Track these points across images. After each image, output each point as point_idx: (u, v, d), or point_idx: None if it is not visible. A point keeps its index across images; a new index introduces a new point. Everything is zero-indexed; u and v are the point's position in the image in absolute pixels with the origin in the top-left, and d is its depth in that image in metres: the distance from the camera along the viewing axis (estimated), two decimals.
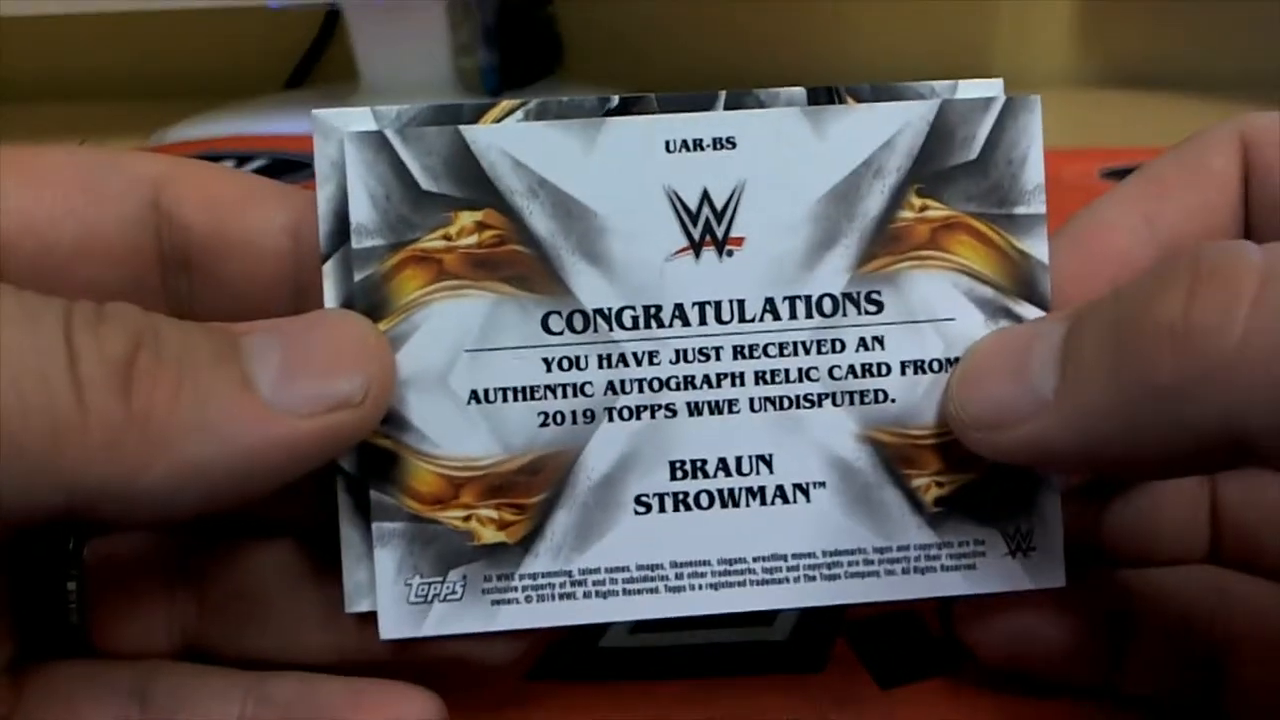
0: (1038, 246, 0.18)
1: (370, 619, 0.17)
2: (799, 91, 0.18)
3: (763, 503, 0.18)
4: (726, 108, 0.18)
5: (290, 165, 0.45)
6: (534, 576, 0.17)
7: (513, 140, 0.17)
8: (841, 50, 0.59)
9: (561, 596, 0.17)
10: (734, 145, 0.17)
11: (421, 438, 0.17)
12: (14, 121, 0.58)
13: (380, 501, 0.17)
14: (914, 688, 0.21)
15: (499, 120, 0.17)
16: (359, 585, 0.17)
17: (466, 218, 0.17)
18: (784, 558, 0.18)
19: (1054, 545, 0.18)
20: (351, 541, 0.17)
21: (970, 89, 0.18)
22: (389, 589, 0.17)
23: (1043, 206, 0.18)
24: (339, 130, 0.17)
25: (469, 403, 0.17)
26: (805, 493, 0.18)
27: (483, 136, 0.17)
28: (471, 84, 0.54)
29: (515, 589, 0.17)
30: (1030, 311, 0.18)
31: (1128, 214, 0.18)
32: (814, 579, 0.18)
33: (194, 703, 0.17)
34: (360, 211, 0.17)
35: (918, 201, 0.17)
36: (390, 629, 0.17)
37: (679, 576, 0.17)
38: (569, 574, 0.17)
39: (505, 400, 0.17)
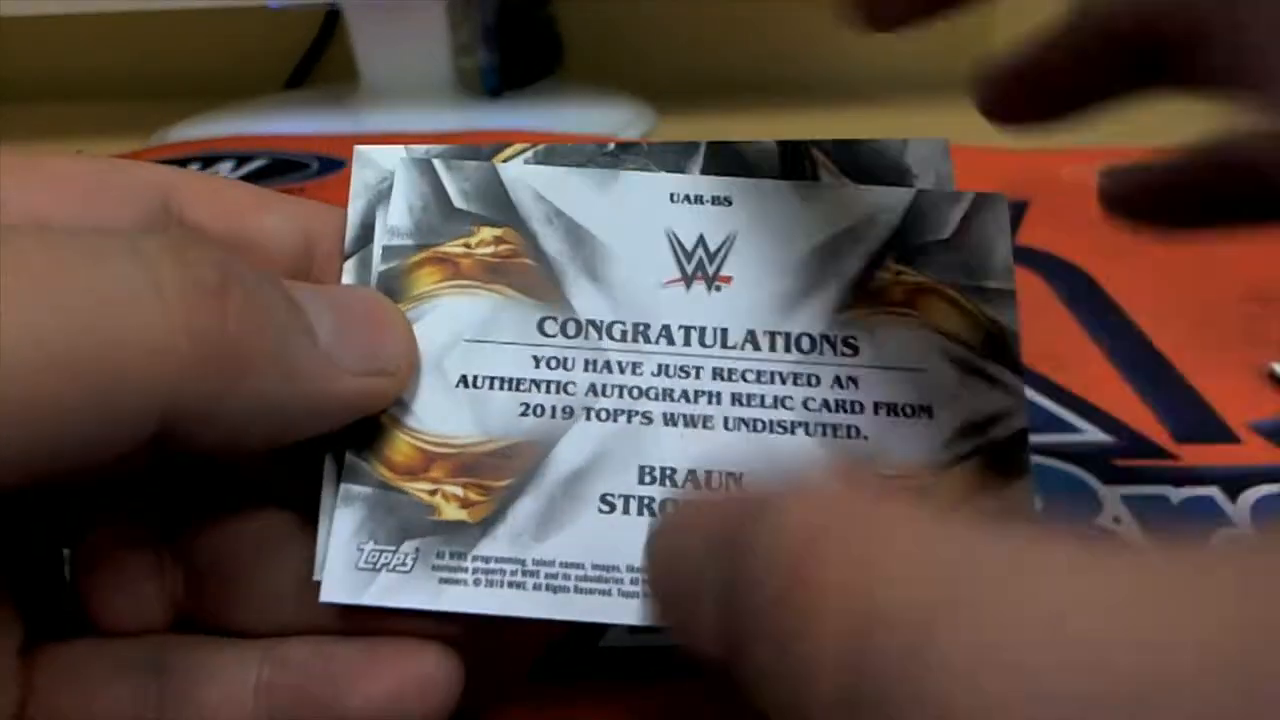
0: (1007, 316, 0.19)
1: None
2: (770, 144, 0.20)
3: None
4: (707, 155, 0.20)
5: (290, 165, 0.45)
6: (487, 560, 0.17)
7: (538, 178, 0.19)
8: (841, 50, 0.59)
9: (511, 584, 0.17)
10: (729, 203, 0.19)
11: (406, 410, 0.18)
12: (14, 121, 0.58)
13: (354, 464, 0.17)
14: None
15: (509, 159, 0.20)
16: (324, 556, 0.17)
17: (487, 232, 0.19)
18: None
19: None
20: (328, 508, 0.17)
21: (920, 147, 0.20)
22: (340, 550, 0.17)
23: (1012, 283, 0.19)
24: (378, 162, 0.20)
25: (457, 386, 0.18)
26: None
27: (513, 172, 0.19)
28: (471, 84, 0.54)
29: (466, 569, 0.17)
30: (1000, 372, 0.18)
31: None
32: None
33: (211, 671, 0.17)
34: (397, 217, 0.19)
35: (894, 267, 0.19)
36: (332, 591, 0.17)
37: (634, 582, 0.17)
38: (523, 562, 0.17)
39: (491, 388, 0.18)
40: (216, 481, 0.18)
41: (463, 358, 0.18)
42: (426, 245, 0.19)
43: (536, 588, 0.17)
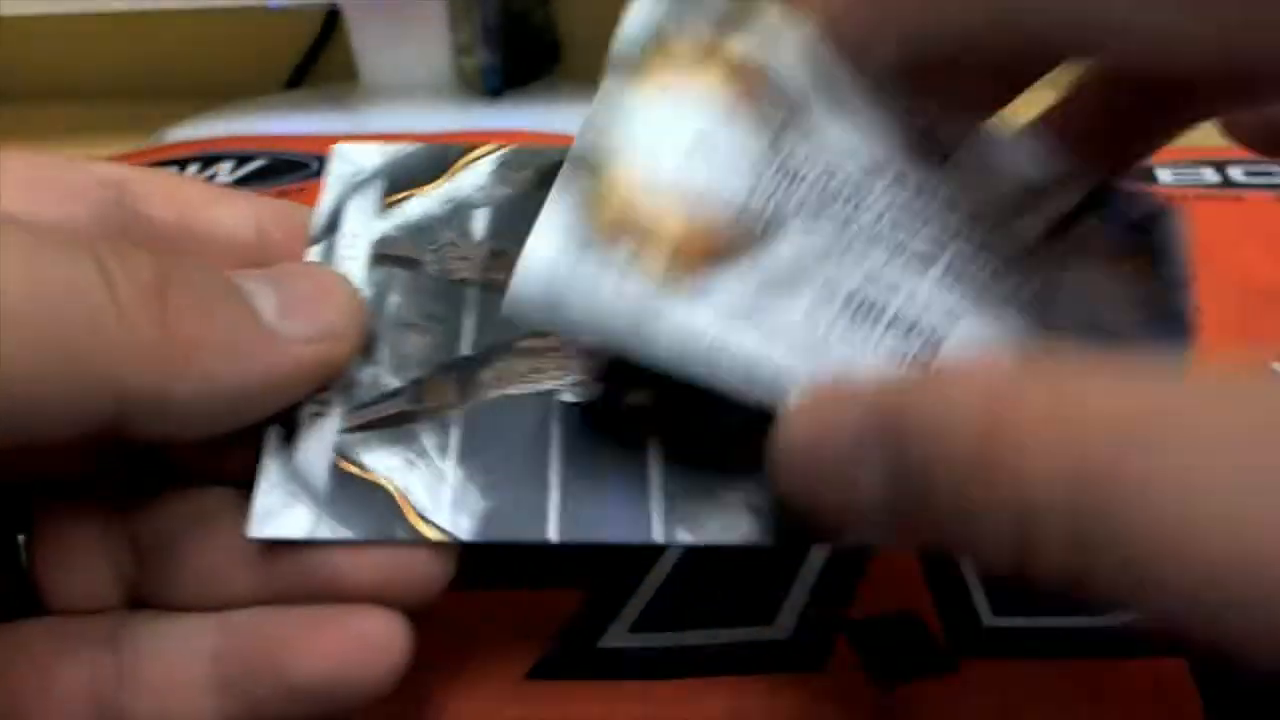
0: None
1: (275, 555, 0.17)
2: None
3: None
4: None
5: (290, 165, 0.45)
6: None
7: None
8: None
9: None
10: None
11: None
12: (14, 121, 0.58)
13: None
14: (913, 687, 0.21)
15: (477, 160, 0.20)
16: (266, 510, 0.17)
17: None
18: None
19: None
20: (269, 470, 0.17)
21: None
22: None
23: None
24: (354, 159, 0.20)
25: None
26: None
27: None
28: (472, 84, 0.54)
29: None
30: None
31: None
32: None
33: (165, 643, 0.17)
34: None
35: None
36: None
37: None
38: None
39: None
40: (162, 462, 0.19)
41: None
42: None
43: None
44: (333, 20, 0.60)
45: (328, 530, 0.17)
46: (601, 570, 0.24)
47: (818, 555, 0.24)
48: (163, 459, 0.19)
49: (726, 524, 0.17)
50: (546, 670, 0.21)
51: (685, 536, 0.17)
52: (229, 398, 0.16)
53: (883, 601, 0.23)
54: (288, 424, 0.18)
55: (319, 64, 0.62)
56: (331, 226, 0.20)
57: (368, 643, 0.17)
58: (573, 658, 0.22)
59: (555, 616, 0.23)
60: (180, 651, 0.17)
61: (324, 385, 0.18)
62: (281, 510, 0.17)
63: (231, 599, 0.17)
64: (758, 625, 0.22)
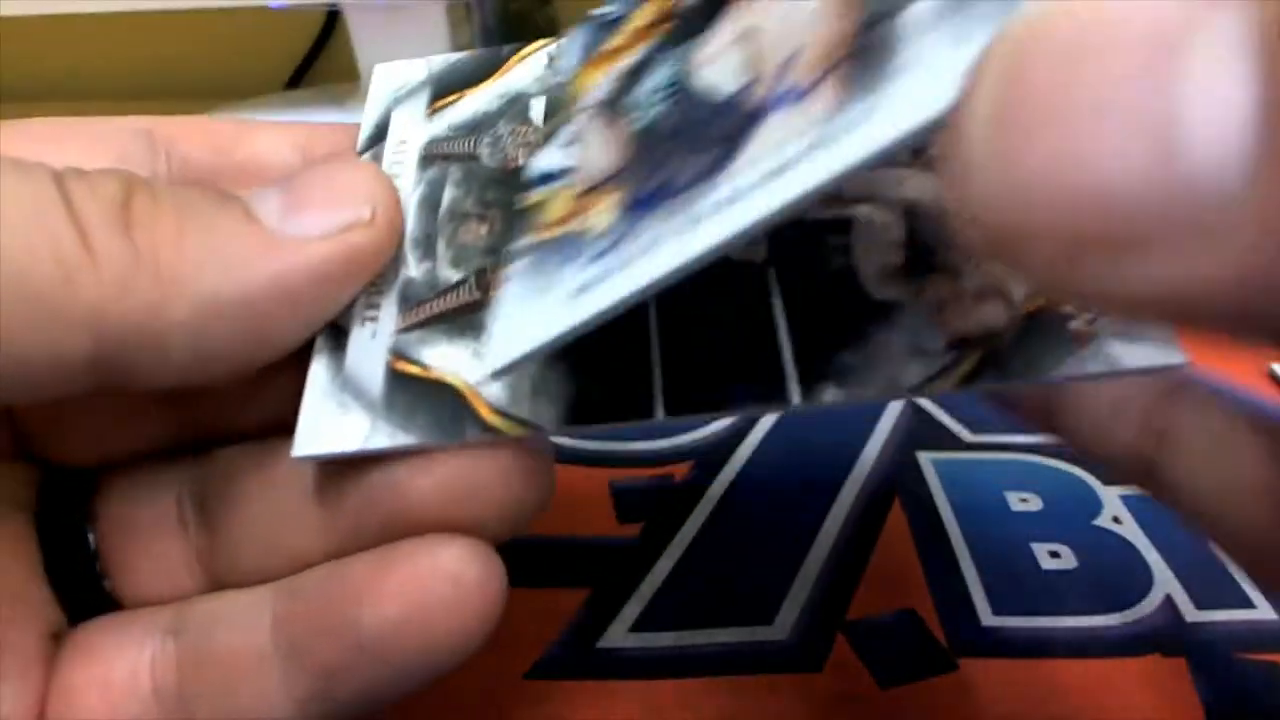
0: None
1: (339, 483, 0.15)
2: None
3: None
4: None
5: None
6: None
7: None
8: None
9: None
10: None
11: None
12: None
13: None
14: (913, 687, 0.21)
15: (530, 55, 0.19)
16: (313, 425, 0.15)
17: (640, 13, 0.17)
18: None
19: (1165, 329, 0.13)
20: (316, 381, 0.15)
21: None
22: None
23: None
24: (400, 73, 0.19)
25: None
26: None
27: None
28: None
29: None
30: None
31: None
32: None
33: (226, 622, 0.15)
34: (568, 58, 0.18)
35: None
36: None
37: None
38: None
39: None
40: (230, 430, 0.17)
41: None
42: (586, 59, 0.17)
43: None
44: (333, 20, 0.60)
45: (385, 438, 0.14)
46: (602, 570, 0.24)
47: (817, 556, 0.24)
48: (223, 414, 0.17)
49: (880, 373, 0.14)
50: (545, 670, 0.21)
51: (832, 394, 0.14)
52: (235, 319, 0.14)
53: (883, 601, 0.23)
54: (336, 333, 0.16)
55: (319, 64, 0.62)
56: (378, 137, 0.18)
57: (447, 579, 0.14)
58: (572, 658, 0.21)
59: (555, 616, 0.22)
60: (242, 627, 0.15)
61: (371, 283, 0.16)
62: (330, 423, 0.15)
63: (299, 554, 0.16)
64: (757, 625, 0.22)
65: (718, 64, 0.15)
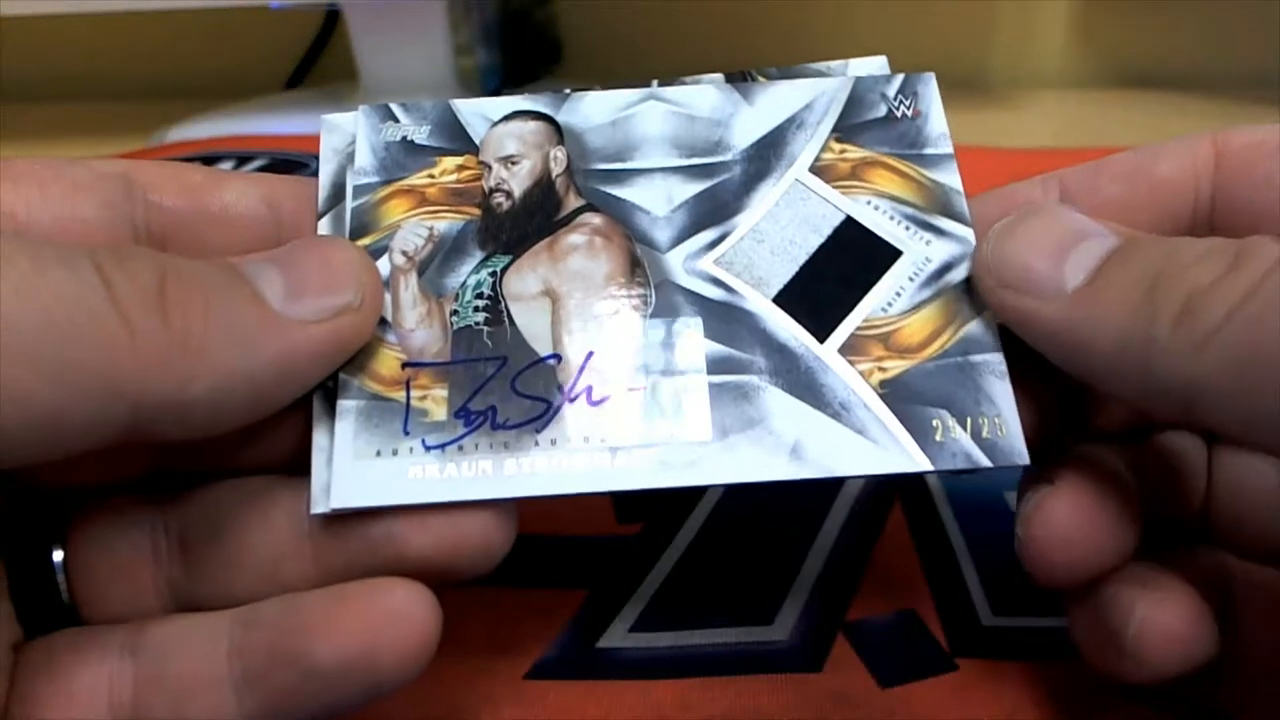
0: (949, 176, 0.20)
1: (338, 529, 0.17)
2: (718, 76, 0.22)
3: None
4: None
5: (290, 165, 0.45)
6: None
7: (491, 109, 0.21)
8: (841, 51, 0.59)
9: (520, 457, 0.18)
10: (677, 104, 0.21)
11: (387, 328, 0.19)
12: (14, 121, 0.58)
13: (344, 381, 0.18)
14: (913, 687, 0.21)
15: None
16: (324, 486, 0.17)
17: (449, 161, 0.21)
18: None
19: (1011, 425, 0.18)
20: (321, 445, 0.18)
21: (862, 66, 0.22)
22: (342, 457, 0.17)
23: (949, 147, 0.21)
24: (343, 126, 0.21)
25: (427, 298, 0.19)
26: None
27: (468, 107, 0.21)
28: (471, 83, 0.54)
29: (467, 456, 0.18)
30: (951, 225, 0.20)
31: (1047, 187, 0.20)
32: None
33: (183, 645, 0.17)
34: (363, 159, 0.21)
35: (837, 146, 0.21)
36: (339, 498, 0.17)
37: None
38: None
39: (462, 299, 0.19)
40: (201, 458, 0.18)
41: (436, 270, 0.19)
42: (393, 179, 0.20)
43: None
44: (333, 20, 0.60)
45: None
46: (602, 570, 0.24)
47: (817, 556, 0.24)
48: (201, 454, 0.18)
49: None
50: (545, 670, 0.21)
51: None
52: (245, 389, 0.16)
53: (883, 601, 0.23)
54: (326, 394, 0.18)
55: (319, 64, 0.62)
56: (337, 197, 0.20)
57: (395, 619, 0.16)
58: (572, 658, 0.21)
59: (555, 616, 0.22)
60: (198, 652, 0.17)
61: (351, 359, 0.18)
62: (350, 479, 0.17)
63: (290, 588, 0.17)
64: (757, 625, 0.22)
65: (528, 308, 0.19)
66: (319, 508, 0.17)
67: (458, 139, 0.21)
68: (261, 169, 0.46)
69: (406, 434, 0.18)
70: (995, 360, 0.18)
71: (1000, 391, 0.18)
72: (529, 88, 0.55)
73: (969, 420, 0.18)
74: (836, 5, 0.57)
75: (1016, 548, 0.18)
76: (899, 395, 0.18)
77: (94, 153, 0.42)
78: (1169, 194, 0.19)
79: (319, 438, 0.18)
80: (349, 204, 0.20)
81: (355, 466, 0.17)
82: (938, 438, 0.18)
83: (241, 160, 0.46)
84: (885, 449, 0.18)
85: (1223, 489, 0.20)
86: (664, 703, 0.20)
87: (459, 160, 0.21)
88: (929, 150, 0.21)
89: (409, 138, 0.21)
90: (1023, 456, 0.18)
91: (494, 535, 0.17)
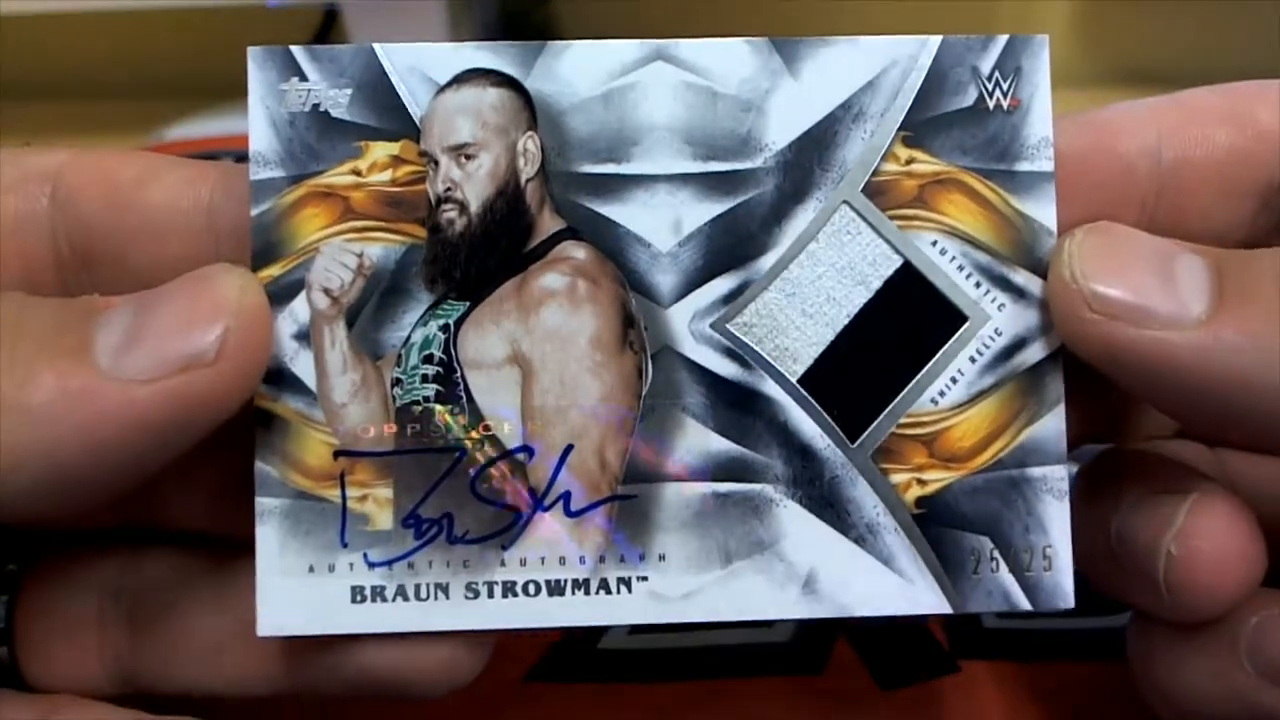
0: (1042, 208, 0.15)
1: (294, 645, 0.15)
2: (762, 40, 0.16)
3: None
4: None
5: None
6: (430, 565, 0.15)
7: (435, 64, 0.15)
8: None
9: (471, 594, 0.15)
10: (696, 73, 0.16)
11: (312, 401, 0.15)
12: (14, 120, 0.57)
13: (264, 475, 0.15)
14: (914, 689, 0.21)
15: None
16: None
17: (380, 150, 0.15)
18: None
19: (1062, 557, 0.15)
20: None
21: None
22: (267, 575, 0.15)
23: (1049, 163, 0.15)
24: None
25: (359, 361, 0.15)
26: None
27: (400, 57, 0.15)
28: None
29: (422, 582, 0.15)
30: (1031, 283, 0.15)
31: (1142, 122, 0.16)
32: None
33: None
34: (259, 137, 0.15)
35: (903, 153, 0.16)
36: (269, 623, 0.15)
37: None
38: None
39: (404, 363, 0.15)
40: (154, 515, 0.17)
41: (371, 319, 0.15)
42: (304, 176, 0.15)
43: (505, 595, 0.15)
44: (331, 19, 0.60)
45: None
46: None
47: None
48: (158, 516, 0.17)
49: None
50: (545, 672, 0.21)
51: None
52: (40, 468, 0.13)
53: None
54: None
55: None
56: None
57: None
58: (572, 660, 0.21)
59: None
60: None
61: (218, 421, 0.14)
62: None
63: (236, 683, 0.16)
64: (757, 628, 0.22)
65: (490, 380, 0.15)
66: (263, 629, 0.15)
67: (390, 113, 0.15)
68: None
69: (345, 546, 0.15)
70: (1058, 475, 0.15)
71: (1056, 516, 0.15)
72: None
73: (1013, 551, 0.15)
74: (836, 5, 0.57)
75: (1161, 571, 0.15)
76: (937, 517, 0.15)
77: None
78: (1270, 143, 0.16)
79: (258, 538, 0.15)
80: (250, 208, 0.15)
81: (285, 586, 0.15)
82: (974, 572, 0.15)
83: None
84: (911, 584, 0.15)
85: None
86: (665, 705, 0.20)
87: (393, 148, 0.15)
88: (1023, 165, 0.15)
89: (323, 107, 0.15)
90: (1067, 599, 0.15)
91: (462, 662, 0.15)
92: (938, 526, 0.15)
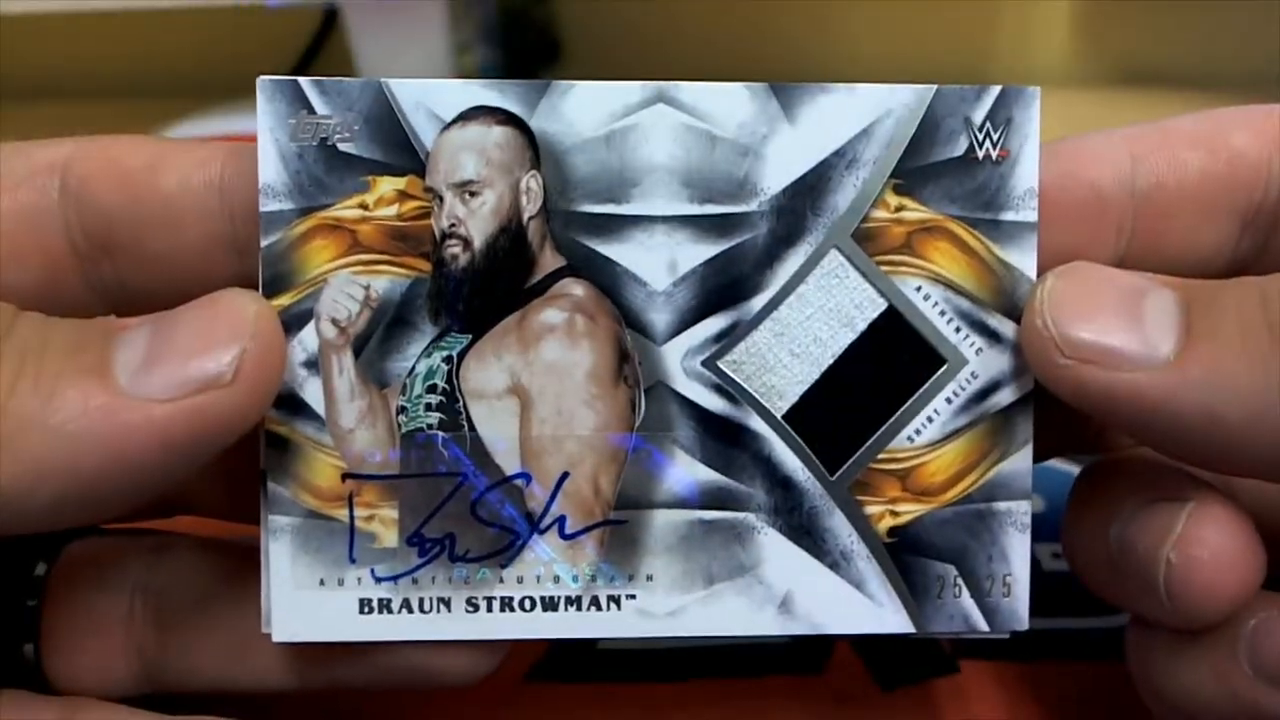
0: (1023, 257, 0.16)
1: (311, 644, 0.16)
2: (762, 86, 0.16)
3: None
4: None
5: None
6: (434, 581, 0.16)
7: (441, 101, 0.16)
8: (840, 50, 0.59)
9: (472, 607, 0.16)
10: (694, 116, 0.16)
11: (321, 426, 0.16)
12: (14, 121, 0.57)
13: (276, 494, 0.16)
14: (914, 689, 0.21)
15: None
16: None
17: (387, 185, 0.16)
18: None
19: (1020, 584, 0.16)
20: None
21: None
22: (281, 586, 0.16)
23: (1034, 214, 0.16)
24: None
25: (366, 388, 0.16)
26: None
27: (408, 92, 0.16)
28: None
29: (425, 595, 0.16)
30: (1007, 329, 0.16)
31: (1115, 148, 0.16)
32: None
33: None
34: (269, 170, 0.15)
35: (894, 200, 0.16)
36: (283, 630, 0.16)
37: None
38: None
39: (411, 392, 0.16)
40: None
41: (377, 349, 0.16)
42: (312, 209, 0.15)
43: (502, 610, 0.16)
44: (332, 19, 0.60)
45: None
46: None
47: None
48: (182, 502, 0.17)
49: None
50: (545, 672, 0.21)
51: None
52: (63, 481, 0.13)
53: None
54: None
55: (318, 63, 0.62)
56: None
57: None
58: (572, 660, 0.21)
59: None
60: None
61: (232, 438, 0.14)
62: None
63: (259, 681, 0.16)
64: None
65: (491, 410, 0.16)
66: (268, 629, 0.16)
67: (397, 148, 0.15)
68: None
69: (353, 562, 0.16)
70: (1021, 510, 0.16)
71: (1017, 546, 0.16)
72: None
73: (975, 579, 0.16)
74: (836, 5, 0.57)
75: (1161, 579, 0.15)
76: (907, 546, 0.16)
77: None
78: (1245, 167, 0.16)
79: (265, 549, 0.16)
80: (260, 239, 0.16)
81: (297, 597, 0.15)
82: (938, 596, 0.16)
83: None
84: (880, 606, 0.16)
85: None
86: (665, 705, 0.20)
87: (399, 184, 0.15)
88: (1009, 215, 0.16)
89: (330, 141, 0.15)
90: (1022, 622, 0.16)
91: (480, 662, 0.16)
92: (908, 554, 0.16)
